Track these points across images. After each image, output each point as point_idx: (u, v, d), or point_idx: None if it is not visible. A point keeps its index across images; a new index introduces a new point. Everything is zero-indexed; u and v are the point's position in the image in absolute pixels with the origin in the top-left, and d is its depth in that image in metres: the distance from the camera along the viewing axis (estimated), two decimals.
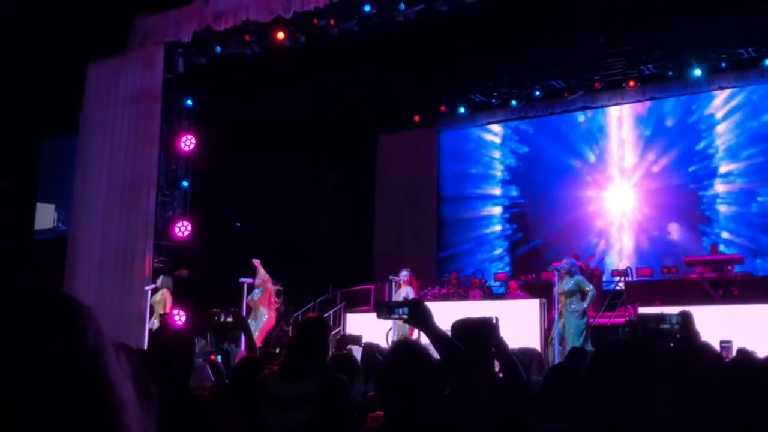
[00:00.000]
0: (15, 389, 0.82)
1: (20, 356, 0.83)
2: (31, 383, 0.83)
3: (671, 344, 3.04)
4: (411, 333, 11.06)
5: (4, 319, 0.86)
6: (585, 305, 10.48)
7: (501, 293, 14.97)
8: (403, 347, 2.68)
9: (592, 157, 17.79)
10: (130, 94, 14.20)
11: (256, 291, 11.82)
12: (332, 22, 12.89)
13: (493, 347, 3.29)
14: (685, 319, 4.91)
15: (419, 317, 2.76)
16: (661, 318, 2.97)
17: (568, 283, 10.53)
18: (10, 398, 0.82)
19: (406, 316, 2.82)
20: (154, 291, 12.42)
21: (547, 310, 11.39)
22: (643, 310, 10.71)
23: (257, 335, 10.85)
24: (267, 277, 11.89)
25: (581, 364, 2.47)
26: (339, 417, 3.36)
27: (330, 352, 8.59)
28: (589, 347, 10.10)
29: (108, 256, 13.74)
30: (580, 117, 17.90)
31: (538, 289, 14.04)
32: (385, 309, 2.96)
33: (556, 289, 10.61)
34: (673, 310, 10.45)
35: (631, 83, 16.21)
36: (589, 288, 10.64)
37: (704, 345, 3.31)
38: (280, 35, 13.27)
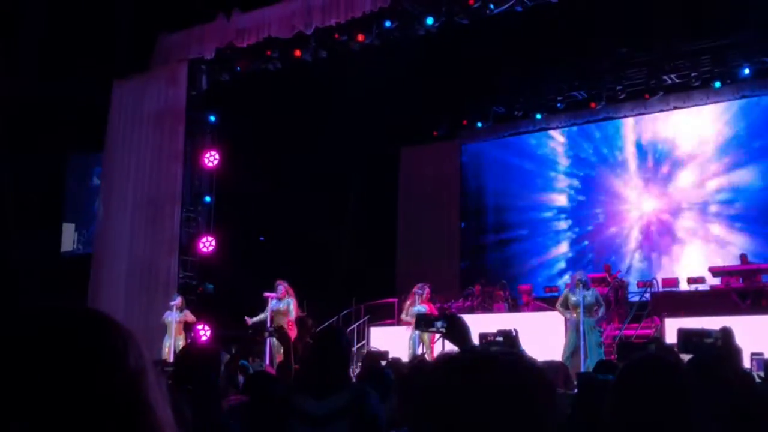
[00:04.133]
0: (56, 411, 0.83)
1: (61, 379, 0.84)
2: (72, 405, 0.83)
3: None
4: (432, 345, 11.05)
5: (44, 342, 0.86)
6: (597, 317, 10.56)
7: (522, 304, 14.89)
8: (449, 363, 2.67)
9: (616, 168, 17.68)
10: (155, 111, 14.35)
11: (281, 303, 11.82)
12: (357, 37, 12.92)
13: None
14: (726, 335, 4.85)
15: (456, 332, 2.78)
16: (704, 333, 2.96)
17: (586, 296, 10.49)
18: (52, 421, 0.82)
19: (443, 330, 2.85)
20: (177, 308, 12.49)
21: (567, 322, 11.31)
22: (674, 321, 10.61)
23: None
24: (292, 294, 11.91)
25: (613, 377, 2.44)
26: (373, 430, 3.32)
27: (356, 367, 8.57)
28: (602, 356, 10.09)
29: (133, 271, 13.85)
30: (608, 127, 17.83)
31: None
32: (423, 322, 3.01)
33: (579, 301, 10.52)
34: (701, 320, 10.37)
35: (647, 96, 16.11)
36: (602, 305, 10.72)
37: (738, 367, 3.25)
38: (297, 53, 13.36)
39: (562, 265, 17.92)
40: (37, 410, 0.82)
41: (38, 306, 0.91)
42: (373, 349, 11.11)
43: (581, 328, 10.40)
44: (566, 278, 17.05)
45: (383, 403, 3.83)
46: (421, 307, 11.29)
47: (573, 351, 10.39)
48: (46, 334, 0.87)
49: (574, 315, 10.47)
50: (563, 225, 18.22)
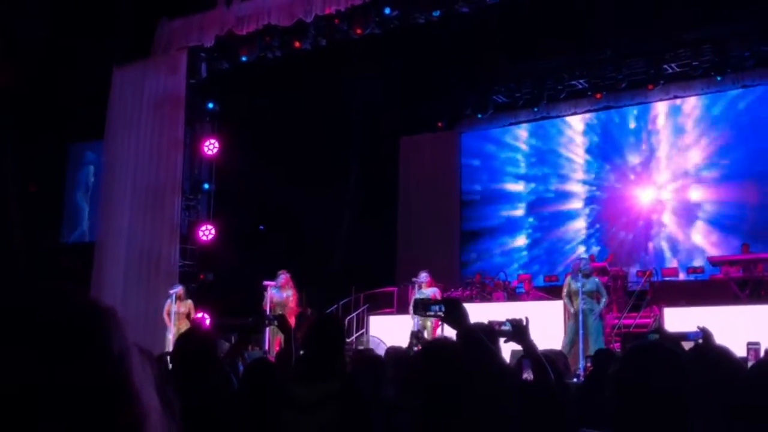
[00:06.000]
0: (37, 395, 0.80)
1: (42, 362, 0.81)
2: (53, 389, 0.81)
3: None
4: (434, 332, 11.05)
5: (26, 324, 0.83)
6: (600, 307, 10.58)
7: (522, 293, 14.90)
8: (439, 347, 2.66)
9: (615, 157, 17.66)
10: (154, 98, 14.31)
11: (281, 293, 11.83)
12: (355, 28, 12.87)
13: (523, 349, 3.26)
14: (706, 336, 4.86)
15: (455, 316, 2.76)
16: (682, 336, 2.98)
17: (588, 284, 10.50)
18: (32, 405, 0.80)
19: (441, 314, 2.83)
20: (177, 298, 12.44)
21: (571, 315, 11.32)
22: (673, 311, 10.62)
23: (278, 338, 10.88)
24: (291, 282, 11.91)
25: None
26: (364, 417, 3.32)
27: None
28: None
29: (133, 259, 13.85)
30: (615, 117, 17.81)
31: (560, 290, 13.97)
32: (421, 306, 2.98)
33: (578, 288, 10.53)
34: (700, 311, 10.33)
35: (650, 87, 16.07)
36: (604, 295, 10.74)
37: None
38: (297, 44, 13.32)
39: (558, 254, 17.93)
40: (15, 395, 0.80)
41: (14, 285, 0.87)
42: (362, 348, 11.09)
43: (580, 318, 10.42)
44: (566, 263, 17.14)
45: (376, 389, 3.83)
46: (428, 291, 11.28)
47: (573, 339, 10.40)
48: (25, 317, 0.84)
49: (575, 304, 10.49)
50: (563, 215, 18.20)
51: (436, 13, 12.28)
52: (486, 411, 2.42)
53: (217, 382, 3.58)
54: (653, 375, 1.88)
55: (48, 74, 14.94)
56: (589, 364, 8.50)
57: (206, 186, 14.66)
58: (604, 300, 10.76)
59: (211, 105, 14.88)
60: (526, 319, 3.22)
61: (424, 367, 2.49)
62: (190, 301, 12.37)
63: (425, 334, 10.62)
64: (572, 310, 10.69)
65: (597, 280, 10.81)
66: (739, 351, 7.44)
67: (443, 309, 2.82)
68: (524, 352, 3.32)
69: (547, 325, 10.89)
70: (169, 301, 12.31)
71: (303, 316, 12.44)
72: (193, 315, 12.30)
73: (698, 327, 5.16)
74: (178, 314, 12.21)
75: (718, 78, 15.47)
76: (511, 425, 2.55)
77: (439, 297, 10.79)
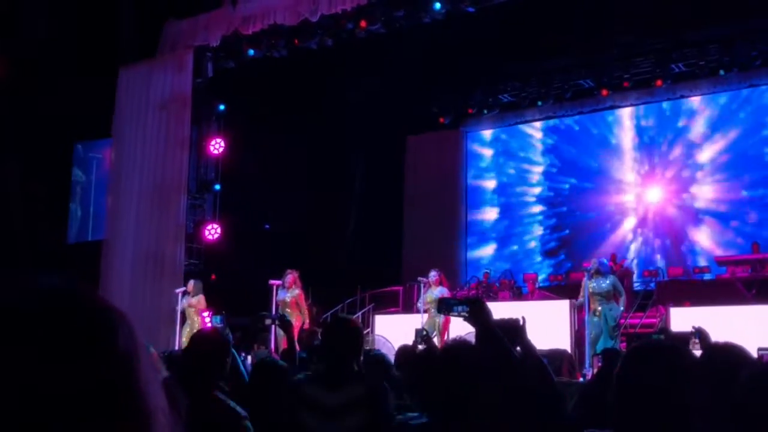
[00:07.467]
0: (42, 395, 0.78)
1: (47, 360, 0.80)
2: (59, 388, 0.79)
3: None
4: (443, 334, 11.03)
5: (31, 322, 0.81)
6: (621, 309, 10.32)
7: (526, 293, 14.88)
8: (458, 348, 2.64)
9: (619, 157, 17.62)
10: (161, 98, 14.34)
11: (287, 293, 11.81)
12: (360, 24, 12.87)
13: (520, 349, 3.24)
14: (702, 336, 4.85)
15: (479, 316, 2.75)
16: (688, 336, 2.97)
17: (603, 283, 10.32)
18: (37, 404, 0.78)
19: (465, 314, 2.82)
20: (184, 294, 12.44)
21: (578, 311, 11.26)
22: (679, 311, 10.59)
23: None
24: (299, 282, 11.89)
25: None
26: (386, 422, 3.26)
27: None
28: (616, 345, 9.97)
29: (140, 258, 13.88)
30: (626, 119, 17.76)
31: (568, 290, 13.92)
32: (445, 306, 2.98)
33: (586, 289, 10.43)
34: (706, 311, 10.28)
35: (658, 82, 16.01)
36: (622, 293, 10.46)
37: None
38: (302, 43, 13.35)
39: (563, 253, 17.89)
40: (17, 393, 0.78)
41: (19, 282, 0.85)
42: (368, 348, 11.07)
43: (586, 317, 10.32)
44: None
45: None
46: (437, 291, 11.24)
47: (589, 339, 10.24)
48: (30, 314, 0.82)
49: (591, 305, 10.33)
50: (565, 213, 18.17)
51: (437, 6, 12.20)
52: (500, 412, 2.41)
53: (230, 380, 3.57)
54: (654, 375, 1.87)
55: (51, 74, 14.95)
56: (599, 364, 8.46)
57: (215, 186, 14.71)
58: (622, 299, 10.33)
59: (217, 104, 14.91)
60: (523, 318, 3.19)
61: (444, 369, 2.48)
62: (199, 296, 12.30)
63: (434, 334, 10.60)
64: (580, 306, 10.53)
65: (613, 278, 10.49)
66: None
67: (467, 309, 2.81)
68: (522, 352, 3.31)
69: (552, 324, 10.86)
70: (180, 298, 12.33)
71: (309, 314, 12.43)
72: (202, 306, 12.25)
73: (693, 327, 5.16)
74: (188, 309, 12.21)
75: (724, 74, 15.36)
76: (522, 426, 2.55)
77: (448, 297, 10.74)
